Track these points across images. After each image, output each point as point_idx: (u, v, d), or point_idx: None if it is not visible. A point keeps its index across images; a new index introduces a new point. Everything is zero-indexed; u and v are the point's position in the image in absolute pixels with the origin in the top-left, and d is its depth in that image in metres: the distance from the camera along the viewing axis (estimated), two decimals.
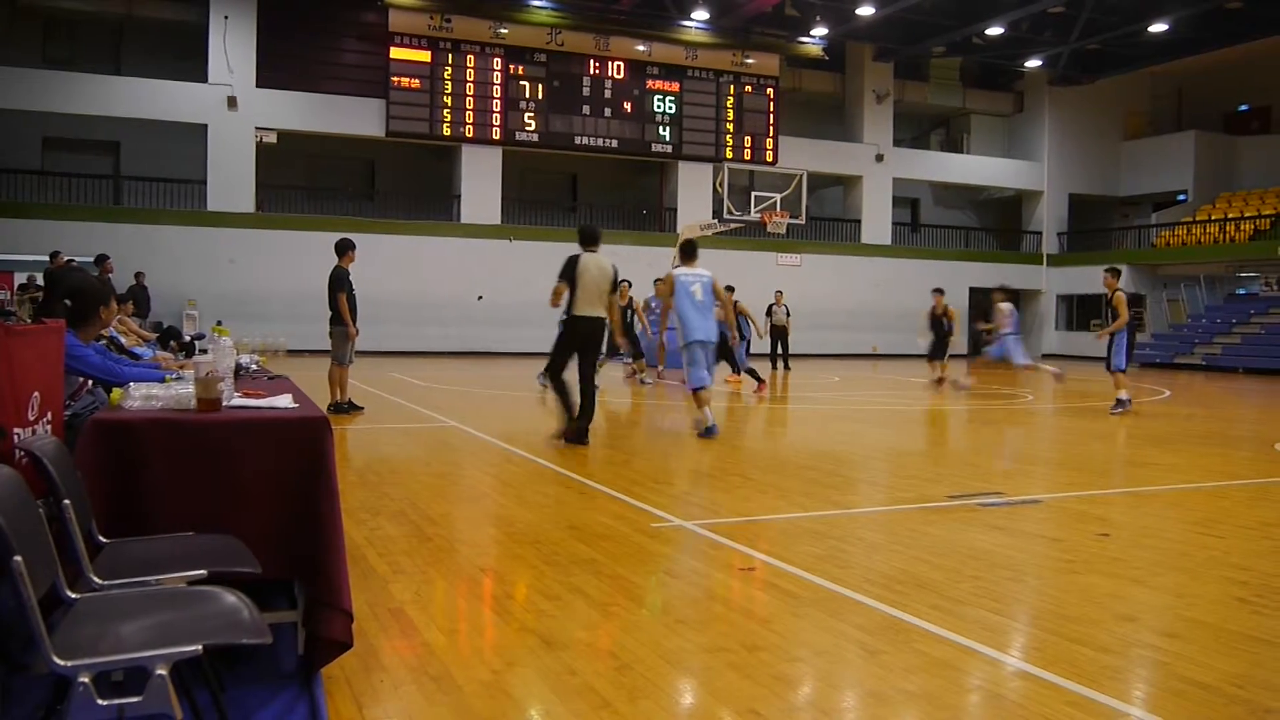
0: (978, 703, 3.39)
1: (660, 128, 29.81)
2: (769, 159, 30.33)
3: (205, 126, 25.84)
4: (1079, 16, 28.17)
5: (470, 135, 27.85)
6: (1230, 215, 31.87)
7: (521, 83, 28.28)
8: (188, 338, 11.89)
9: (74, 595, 2.57)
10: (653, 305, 18.22)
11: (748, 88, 30.71)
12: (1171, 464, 9.36)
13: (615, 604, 4.41)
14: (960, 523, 6.25)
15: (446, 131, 27.72)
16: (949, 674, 3.59)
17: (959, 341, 19.10)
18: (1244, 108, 35.08)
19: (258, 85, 26.18)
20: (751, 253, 29.15)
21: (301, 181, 28.27)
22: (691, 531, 5.88)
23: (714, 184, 27.28)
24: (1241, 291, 32.98)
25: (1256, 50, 30.36)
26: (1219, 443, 11.43)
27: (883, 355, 31.68)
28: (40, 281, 15.02)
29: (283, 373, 6.00)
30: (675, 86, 29.88)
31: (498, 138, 28.10)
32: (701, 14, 28.34)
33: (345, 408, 11.66)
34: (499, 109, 28.07)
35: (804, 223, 26.42)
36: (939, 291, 18.64)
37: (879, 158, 32.96)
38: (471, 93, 27.81)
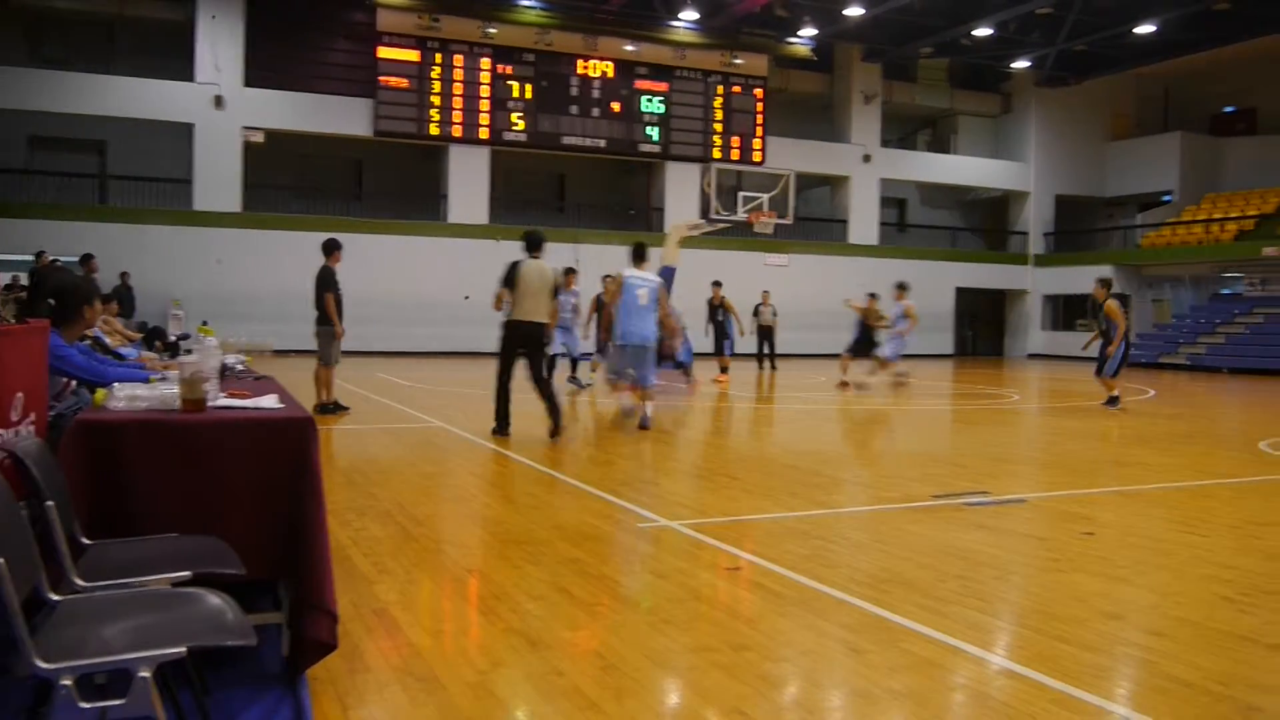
0: (963, 701, 3.40)
1: (648, 128, 29.80)
2: (757, 159, 30.36)
3: (192, 126, 25.72)
4: (1066, 18, 28.27)
5: (458, 135, 27.81)
6: (1215, 216, 32.04)
7: (509, 83, 28.23)
8: (173, 338, 11.82)
9: (56, 597, 2.56)
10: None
11: (736, 88, 30.73)
12: (1156, 463, 9.41)
13: (601, 604, 4.42)
14: (945, 522, 6.27)
15: (434, 131, 27.66)
16: (934, 673, 3.60)
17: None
18: (1229, 109, 35.26)
19: (245, 85, 26.08)
20: (739, 253, 29.16)
21: (289, 181, 28.16)
22: (677, 531, 5.88)
23: (702, 184, 27.28)
24: (1226, 292, 33.16)
25: (1242, 52, 30.53)
26: (1203, 442, 11.50)
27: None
28: (25, 281, 14.94)
29: (269, 373, 5.98)
30: (663, 86, 29.88)
31: (485, 138, 28.07)
32: (690, 14, 28.33)
33: (331, 408, 11.63)
34: (487, 109, 28.02)
35: (791, 223, 26.45)
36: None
37: (866, 158, 33.02)
38: (460, 93, 27.75)
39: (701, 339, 18.87)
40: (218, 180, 25.84)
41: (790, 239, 30.52)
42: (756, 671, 3.56)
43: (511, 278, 9.86)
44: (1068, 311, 35.52)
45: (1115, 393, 13.94)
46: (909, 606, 4.35)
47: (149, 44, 26.70)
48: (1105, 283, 14.42)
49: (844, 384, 17.35)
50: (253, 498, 3.40)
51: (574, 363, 15.75)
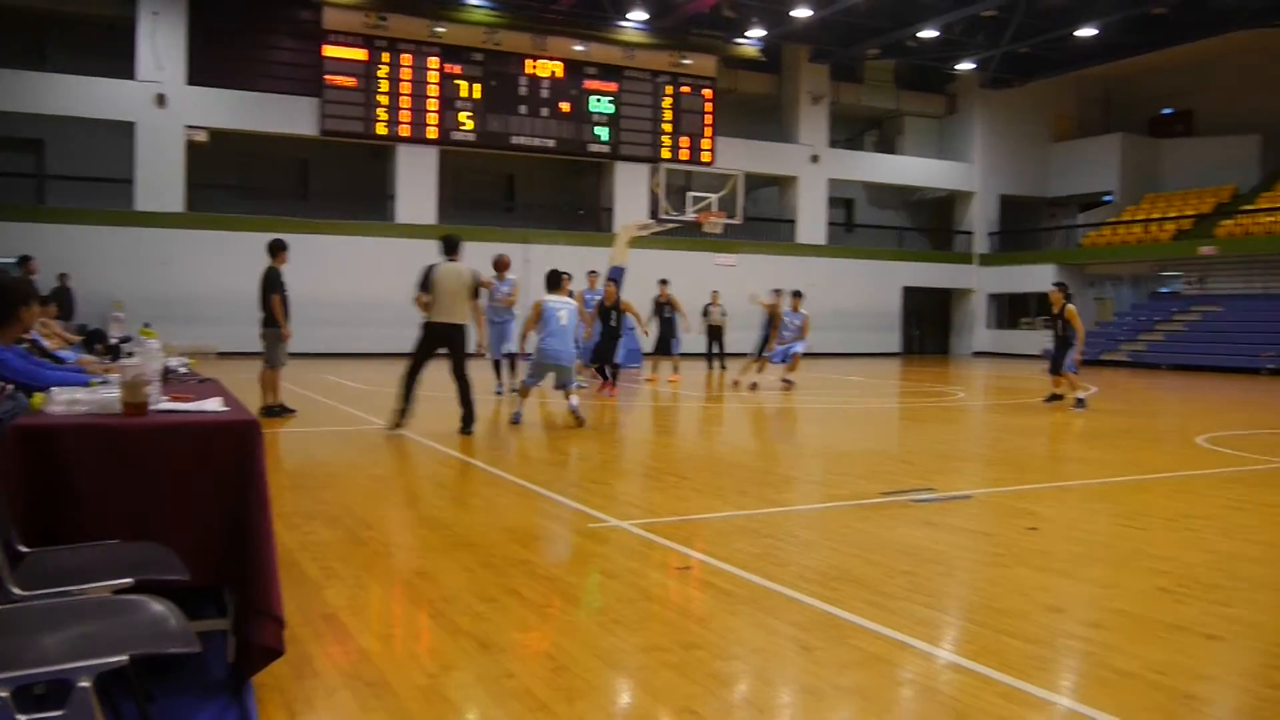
0: (911, 696, 3.44)
1: (597, 128, 29.78)
2: (706, 159, 30.45)
3: (133, 124, 25.20)
4: (1010, 20, 28.71)
5: (406, 135, 27.58)
6: (1154, 216, 32.72)
7: (458, 82, 28.05)
8: (114, 340, 11.59)
9: None
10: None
11: (685, 88, 30.81)
12: (1097, 458, 9.59)
13: (552, 605, 4.41)
14: (893, 519, 6.34)
15: (382, 131, 27.40)
16: (883, 669, 3.64)
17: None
18: (1168, 111, 36.03)
19: (188, 83, 25.62)
20: (688, 253, 29.22)
21: (233, 181, 27.74)
22: (628, 531, 5.89)
23: (651, 184, 27.31)
24: (1165, 290, 33.91)
25: (1180, 55, 31.27)
26: (1143, 437, 11.74)
27: (818, 354, 31.96)
28: None
29: (213, 375, 5.90)
30: (613, 87, 29.88)
31: (434, 137, 27.87)
32: (639, 14, 28.35)
33: (277, 411, 11.48)
34: (435, 108, 27.82)
35: (740, 223, 26.55)
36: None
37: (814, 158, 33.27)
38: (407, 92, 27.51)
39: (644, 340, 18.87)
40: (160, 180, 25.37)
41: (739, 239, 30.64)
42: (707, 670, 3.58)
43: (428, 281, 10.07)
44: (1012, 310, 36.12)
45: (1080, 394, 14.28)
46: (858, 603, 4.39)
47: (88, 41, 26.14)
48: (1063, 286, 14.68)
49: (736, 383, 17.45)
50: (197, 503, 3.36)
51: (497, 364, 14.61)
